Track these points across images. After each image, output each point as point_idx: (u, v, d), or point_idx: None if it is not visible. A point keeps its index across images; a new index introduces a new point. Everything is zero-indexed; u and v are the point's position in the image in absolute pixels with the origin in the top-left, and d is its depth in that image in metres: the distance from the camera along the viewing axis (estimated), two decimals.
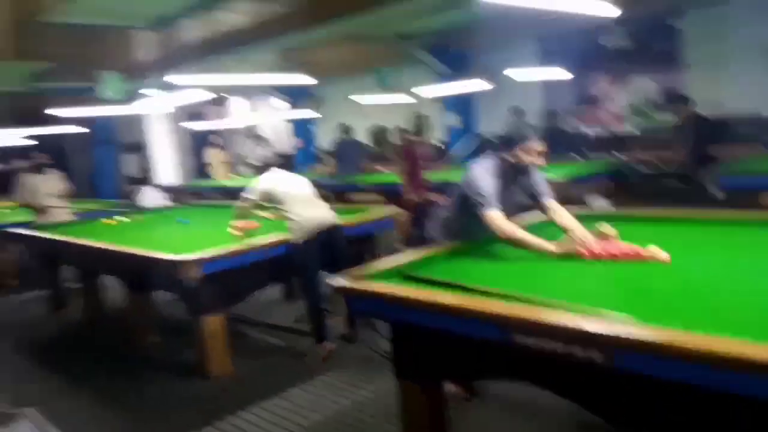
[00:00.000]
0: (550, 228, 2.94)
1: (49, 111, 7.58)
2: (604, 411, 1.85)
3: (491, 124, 10.31)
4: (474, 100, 10.94)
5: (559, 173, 5.63)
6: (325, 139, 13.39)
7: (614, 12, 4.44)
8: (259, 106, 14.92)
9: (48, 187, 6.19)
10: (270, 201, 4.01)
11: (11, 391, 3.88)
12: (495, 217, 2.75)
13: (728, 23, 8.02)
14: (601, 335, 1.64)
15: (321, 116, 13.88)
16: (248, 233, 4.09)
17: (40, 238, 5.27)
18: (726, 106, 8.23)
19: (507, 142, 2.88)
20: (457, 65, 10.65)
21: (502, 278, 2.35)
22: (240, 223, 4.31)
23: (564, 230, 2.83)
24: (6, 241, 6.42)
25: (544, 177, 3.02)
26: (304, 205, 3.92)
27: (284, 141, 13.74)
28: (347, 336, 4.12)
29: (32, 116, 9.86)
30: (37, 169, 6.25)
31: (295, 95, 13.62)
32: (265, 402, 3.37)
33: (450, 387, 3.13)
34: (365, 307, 2.49)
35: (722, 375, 1.41)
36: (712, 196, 4.68)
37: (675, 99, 7.30)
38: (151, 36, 7.04)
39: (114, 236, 4.71)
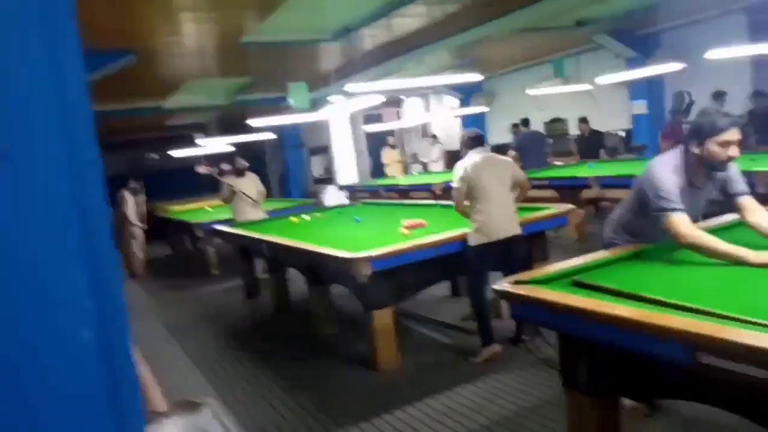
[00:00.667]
0: (745, 232, 2.54)
1: (248, 120, 8.51)
2: None
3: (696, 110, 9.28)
4: (667, 84, 9.94)
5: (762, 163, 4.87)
6: (498, 133, 13.20)
7: None
8: (432, 104, 15.15)
9: (247, 188, 6.93)
10: (469, 191, 3.72)
11: (201, 375, 4.41)
12: (677, 221, 2.43)
13: None
14: None
15: (493, 110, 13.69)
16: (416, 232, 4.16)
17: (237, 234, 5.92)
18: None
19: (696, 133, 2.49)
20: (645, 48, 9.80)
21: (687, 289, 2.07)
22: (408, 222, 4.41)
23: (762, 234, 2.42)
24: (212, 237, 7.35)
25: (738, 171, 2.61)
26: (495, 205, 3.70)
27: (455, 138, 13.79)
28: (515, 339, 3.99)
29: (235, 126, 11.16)
30: (239, 172, 7.02)
31: (467, 91, 13.61)
32: (430, 399, 3.40)
33: (627, 400, 2.88)
34: (529, 313, 2.37)
35: None
36: None
37: None
38: (334, 47, 7.53)
39: (297, 233, 5.12)
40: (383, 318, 3.82)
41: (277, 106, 10.50)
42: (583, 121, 9.61)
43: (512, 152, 9.81)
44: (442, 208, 5.42)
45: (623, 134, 10.67)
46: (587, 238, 6.40)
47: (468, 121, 13.71)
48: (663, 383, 1.97)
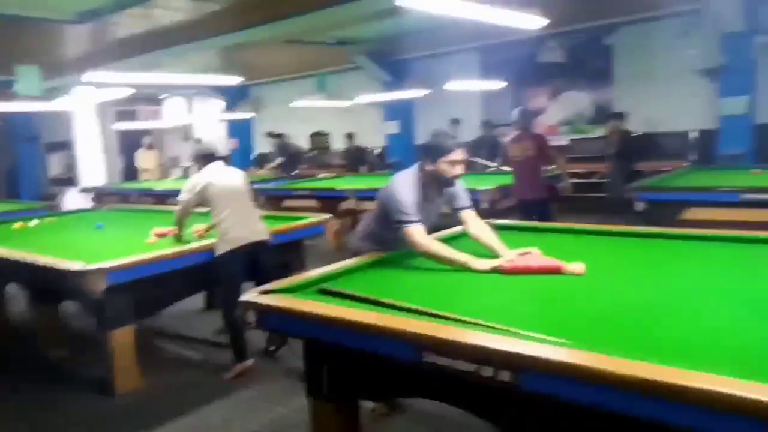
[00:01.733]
0: (470, 241, 2.88)
1: None
2: None
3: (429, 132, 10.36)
4: (416, 108, 10.98)
5: (491, 182, 5.66)
6: (263, 141, 13.13)
7: (541, 23, 4.50)
8: (196, 106, 14.47)
9: None
10: (203, 202, 3.69)
11: None
12: (412, 231, 2.66)
13: (657, 42, 8.33)
14: (508, 354, 1.56)
15: (260, 118, 13.63)
16: (167, 241, 3.85)
17: None
18: (653, 123, 8.55)
19: (428, 152, 2.78)
20: (398, 73, 10.67)
21: (421, 293, 2.25)
22: (157, 230, 4.07)
23: (481, 244, 2.77)
24: None
25: (464, 188, 2.95)
26: (237, 213, 3.66)
27: (219, 142, 13.37)
28: (268, 351, 3.94)
29: None
30: None
31: (234, 96, 13.31)
32: (173, 421, 3.15)
33: (369, 402, 3.03)
34: (276, 323, 2.33)
35: (627, 397, 1.36)
36: (635, 210, 4.78)
37: (609, 115, 7.51)
38: (79, 30, 6.66)
39: (20, 241, 4.36)
40: (122, 337, 3.43)
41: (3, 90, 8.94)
42: (350, 136, 10.11)
43: (278, 160, 9.88)
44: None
45: (379, 151, 11.48)
46: (344, 248, 6.68)
47: (234, 127, 13.40)
48: (397, 383, 2.09)
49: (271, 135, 10.13)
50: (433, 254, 2.64)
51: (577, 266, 2.38)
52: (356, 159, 10.06)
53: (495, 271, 2.49)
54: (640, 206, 4.75)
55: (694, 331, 1.70)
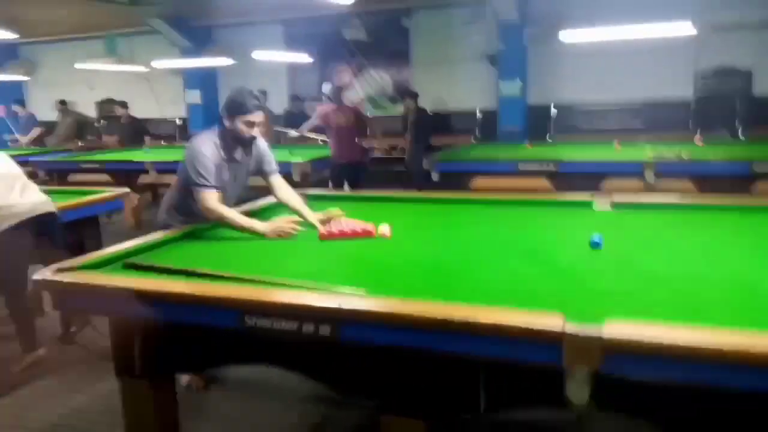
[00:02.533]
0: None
1: None
2: (339, 384, 1.90)
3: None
4: (220, 77, 10.57)
5: (303, 156, 5.73)
6: (45, 109, 11.58)
7: (345, 1, 4.64)
8: None
9: None
10: None
11: None
12: (206, 196, 2.62)
13: (449, 27, 9.08)
14: (327, 310, 1.66)
15: (36, 83, 11.99)
16: None
17: None
18: (445, 102, 9.35)
19: (228, 108, 2.71)
20: (198, 40, 10.14)
21: (238, 262, 2.25)
22: None
23: (290, 208, 2.84)
24: None
25: (270, 152, 2.96)
26: (7, 188, 3.22)
27: None
28: (67, 335, 3.59)
29: None
30: None
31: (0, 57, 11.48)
32: None
33: (185, 377, 2.95)
34: (78, 302, 2.15)
35: (428, 337, 1.54)
36: (431, 180, 5.25)
37: (405, 93, 8.02)
38: None
39: None
40: None
41: None
42: (123, 106, 9.17)
43: (36, 131, 8.91)
44: None
45: (180, 122, 10.83)
46: (144, 224, 6.24)
47: (4, 90, 11.56)
48: (218, 351, 2.08)
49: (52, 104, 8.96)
50: (226, 220, 2.63)
51: (385, 228, 2.57)
52: (133, 130, 9.13)
53: (278, 234, 2.57)
54: (435, 176, 5.22)
55: (482, 279, 1.98)
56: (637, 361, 1.33)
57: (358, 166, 6.26)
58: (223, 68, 9.78)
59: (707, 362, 1.29)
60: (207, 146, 2.66)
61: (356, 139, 6.28)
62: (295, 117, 8.17)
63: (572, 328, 1.37)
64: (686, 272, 1.94)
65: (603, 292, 1.78)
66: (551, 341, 1.38)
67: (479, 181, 5.01)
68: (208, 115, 10.30)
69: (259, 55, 8.47)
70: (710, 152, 5.04)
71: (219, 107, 9.70)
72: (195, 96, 10.47)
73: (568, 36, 5.64)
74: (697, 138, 6.06)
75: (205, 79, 10.34)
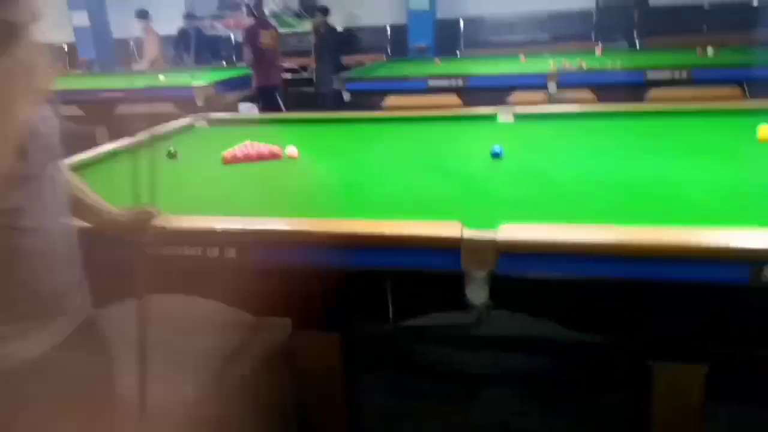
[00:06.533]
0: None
1: None
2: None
3: (125, 27, 9.30)
4: None
5: (204, 79, 5.44)
6: None
7: None
8: None
9: None
10: None
11: None
12: None
13: None
14: (233, 232, 1.65)
15: None
16: None
17: None
18: (354, 17, 9.07)
19: None
20: None
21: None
22: None
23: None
24: None
25: None
26: None
27: None
28: None
29: None
30: None
31: None
32: None
33: None
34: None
35: (348, 251, 1.58)
36: (342, 101, 5.16)
37: (314, 9, 7.69)
38: None
39: None
40: None
41: None
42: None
43: None
44: None
45: (65, 48, 9.91)
46: None
47: None
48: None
49: None
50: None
51: (292, 149, 2.53)
52: None
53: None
54: (347, 96, 5.13)
55: (388, 194, 2.01)
56: (528, 261, 1.42)
57: (278, 88, 6.14)
58: None
59: (590, 258, 1.40)
60: None
61: (278, 60, 6.17)
62: (187, 38, 7.68)
63: (469, 233, 1.44)
64: (579, 175, 2.06)
65: (501, 198, 1.86)
66: (450, 247, 1.44)
67: (390, 100, 4.98)
68: (98, 39, 9.47)
69: None
70: (609, 62, 5.24)
71: (108, 30, 8.93)
72: (82, 18, 9.54)
73: None
74: (598, 49, 6.27)
75: (91, 1, 9.42)
